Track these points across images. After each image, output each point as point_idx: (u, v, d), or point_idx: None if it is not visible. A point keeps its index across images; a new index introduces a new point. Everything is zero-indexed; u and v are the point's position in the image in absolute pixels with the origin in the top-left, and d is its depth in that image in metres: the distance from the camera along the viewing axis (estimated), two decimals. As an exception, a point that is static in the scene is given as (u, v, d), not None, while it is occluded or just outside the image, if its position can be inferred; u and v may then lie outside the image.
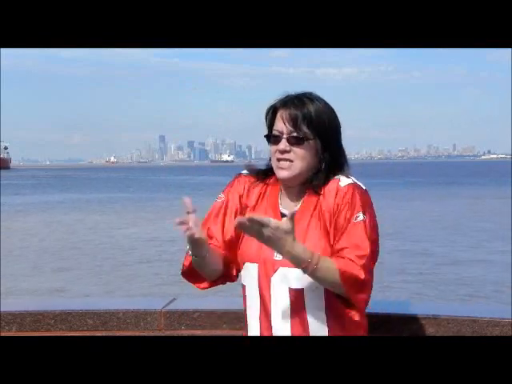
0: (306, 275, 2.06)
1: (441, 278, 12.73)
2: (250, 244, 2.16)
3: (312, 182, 2.16)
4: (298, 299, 2.12)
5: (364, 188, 2.15)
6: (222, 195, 2.26)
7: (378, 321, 2.62)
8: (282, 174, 2.15)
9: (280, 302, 2.13)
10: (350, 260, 2.04)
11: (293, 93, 2.19)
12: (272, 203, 2.22)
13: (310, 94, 2.18)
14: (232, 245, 2.22)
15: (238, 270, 2.25)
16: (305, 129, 2.12)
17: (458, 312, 2.69)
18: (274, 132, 2.16)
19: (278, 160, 2.15)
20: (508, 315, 2.62)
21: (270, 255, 2.13)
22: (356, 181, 2.16)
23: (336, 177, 2.15)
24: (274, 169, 2.18)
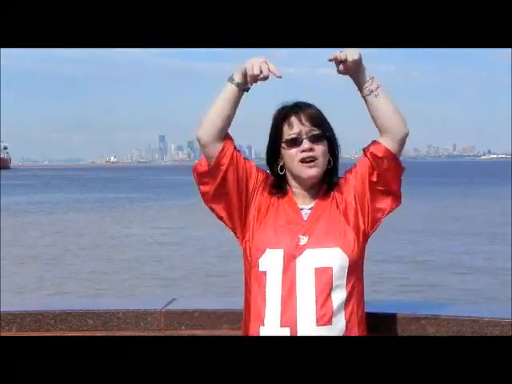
0: (336, 254, 2.19)
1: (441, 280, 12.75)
2: (270, 232, 2.24)
3: (328, 180, 2.30)
4: (323, 278, 2.17)
5: None
6: (259, 169, 2.33)
7: (378, 321, 2.62)
8: (310, 172, 2.23)
9: (305, 282, 2.17)
10: None
11: (288, 102, 2.29)
12: (289, 201, 2.29)
13: (305, 101, 2.29)
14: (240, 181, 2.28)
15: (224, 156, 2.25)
16: (320, 127, 2.24)
17: (458, 312, 2.69)
18: (292, 135, 2.23)
19: (303, 161, 2.23)
20: (508, 315, 2.61)
21: (295, 240, 2.21)
22: None
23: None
24: (298, 171, 2.25)
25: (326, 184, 2.31)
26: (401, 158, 2.30)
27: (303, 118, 2.23)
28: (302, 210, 2.28)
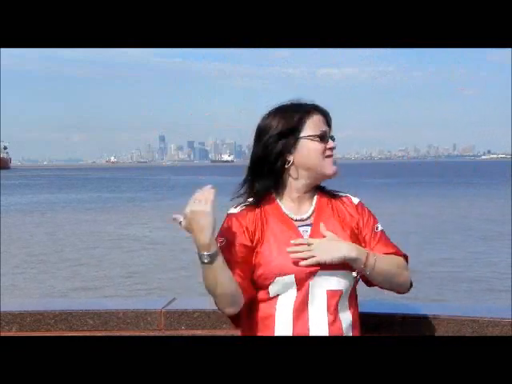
0: (346, 276, 2.17)
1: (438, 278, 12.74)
2: (275, 259, 2.15)
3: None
4: (333, 300, 2.16)
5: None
6: (221, 239, 2.16)
7: (378, 321, 2.63)
8: (335, 168, 2.26)
9: (317, 304, 2.15)
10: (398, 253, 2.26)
11: (304, 100, 2.29)
12: (280, 217, 2.23)
13: None
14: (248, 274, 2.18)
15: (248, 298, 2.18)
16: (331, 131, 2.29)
17: (458, 312, 2.69)
18: (322, 132, 2.24)
19: (328, 157, 2.25)
20: (508, 315, 2.62)
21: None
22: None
23: (338, 193, 2.33)
24: (323, 166, 2.23)
25: (319, 189, 2.30)
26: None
27: (325, 120, 2.26)
28: (298, 225, 2.21)
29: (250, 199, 2.24)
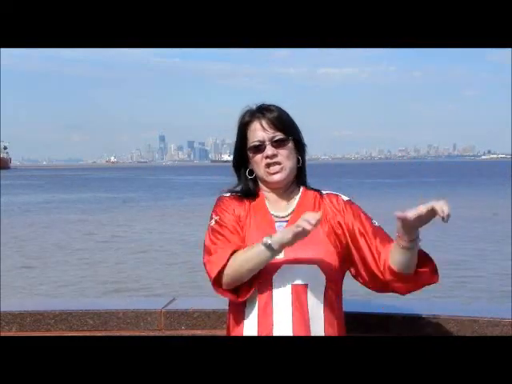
0: (311, 271, 2.15)
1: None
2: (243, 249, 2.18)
3: (300, 179, 2.31)
4: (300, 295, 2.15)
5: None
6: (214, 216, 2.26)
7: (378, 321, 2.63)
8: (276, 177, 2.25)
9: (282, 298, 2.15)
10: None
11: (253, 106, 2.31)
12: (262, 209, 2.28)
13: (269, 104, 2.30)
14: None
15: None
16: (282, 130, 2.25)
17: (458, 312, 2.69)
18: (255, 142, 2.25)
19: (268, 166, 2.24)
20: (508, 315, 2.62)
21: None
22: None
23: (327, 191, 2.33)
24: (264, 176, 2.26)
25: (302, 185, 2.31)
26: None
27: (265, 124, 2.24)
28: (276, 221, 2.24)
29: (241, 190, 2.32)
